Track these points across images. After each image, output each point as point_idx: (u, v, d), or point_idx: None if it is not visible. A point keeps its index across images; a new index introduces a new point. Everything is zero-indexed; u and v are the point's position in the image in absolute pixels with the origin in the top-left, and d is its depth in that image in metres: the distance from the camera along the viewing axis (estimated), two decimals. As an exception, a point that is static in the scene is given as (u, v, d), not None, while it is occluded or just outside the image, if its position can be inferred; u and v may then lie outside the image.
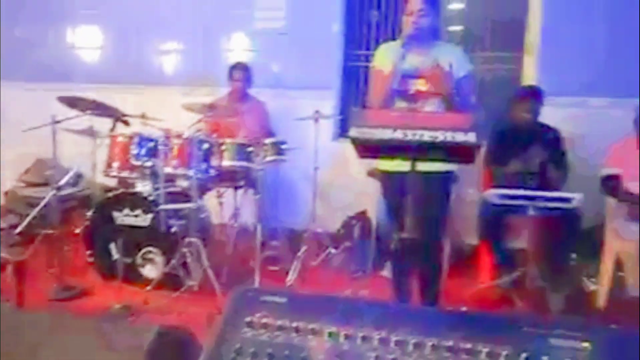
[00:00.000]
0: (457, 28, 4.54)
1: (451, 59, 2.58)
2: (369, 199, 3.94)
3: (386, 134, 1.90)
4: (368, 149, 2.06)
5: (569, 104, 3.81)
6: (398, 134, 1.90)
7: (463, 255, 3.90)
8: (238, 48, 4.67)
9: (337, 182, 4.36)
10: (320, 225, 3.89)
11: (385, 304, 2.43)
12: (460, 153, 1.97)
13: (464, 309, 2.61)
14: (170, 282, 3.23)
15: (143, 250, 3.32)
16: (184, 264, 3.24)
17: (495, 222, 3.40)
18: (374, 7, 4.51)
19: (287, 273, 3.58)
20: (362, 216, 4.06)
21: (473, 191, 3.89)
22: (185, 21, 4.67)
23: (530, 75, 4.15)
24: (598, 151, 3.47)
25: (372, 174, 3.45)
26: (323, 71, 4.50)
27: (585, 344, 1.01)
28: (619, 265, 3.27)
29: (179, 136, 3.29)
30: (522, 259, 3.27)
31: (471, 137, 1.86)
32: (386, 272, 3.48)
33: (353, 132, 1.93)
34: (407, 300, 2.76)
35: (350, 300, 1.60)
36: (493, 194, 3.10)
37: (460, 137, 1.87)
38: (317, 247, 3.90)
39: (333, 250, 3.89)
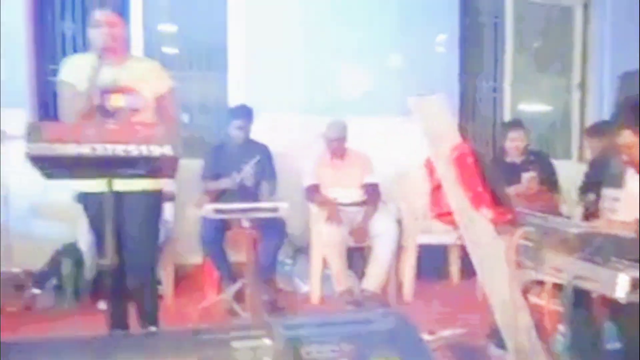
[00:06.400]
0: (171, 49, 4.51)
1: (149, 74, 2.52)
2: (78, 227, 3.56)
3: (70, 150, 1.70)
4: (53, 168, 1.83)
5: (272, 120, 4.11)
6: (85, 149, 1.72)
7: (189, 273, 3.84)
8: None
9: (38, 211, 3.82)
10: (18, 265, 3.34)
11: (101, 336, 2.19)
12: (158, 167, 1.90)
13: (153, 329, 2.53)
14: None
15: None
16: None
17: (214, 237, 3.44)
18: (68, 19, 4.15)
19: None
20: (70, 248, 3.63)
21: (194, 208, 3.87)
22: None
23: (235, 94, 4.35)
24: (298, 163, 3.84)
25: (79, 199, 3.12)
26: (10, 87, 3.91)
27: (267, 341, 1.03)
28: (325, 264, 3.63)
29: None
30: (241, 270, 3.37)
31: (167, 150, 1.80)
32: (103, 304, 3.18)
33: (30, 148, 1.68)
34: (126, 329, 2.55)
35: (61, 340, 1.37)
36: (209, 210, 3.12)
37: (156, 150, 1.80)
38: (15, 289, 3.34)
39: (37, 291, 3.38)
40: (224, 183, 3.60)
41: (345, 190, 3.76)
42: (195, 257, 3.81)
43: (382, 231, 3.58)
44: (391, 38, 4.44)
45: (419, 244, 3.78)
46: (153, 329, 2.47)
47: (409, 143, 3.83)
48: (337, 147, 3.75)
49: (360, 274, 3.65)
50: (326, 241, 3.55)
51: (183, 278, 3.78)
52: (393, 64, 4.48)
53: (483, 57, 4.86)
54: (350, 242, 3.62)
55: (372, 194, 3.75)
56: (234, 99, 4.27)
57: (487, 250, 2.17)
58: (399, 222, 3.75)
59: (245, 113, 3.71)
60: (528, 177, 3.64)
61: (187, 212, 3.91)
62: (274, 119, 4.07)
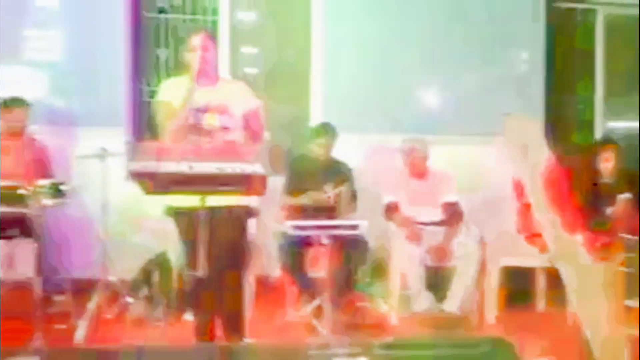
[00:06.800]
0: (251, 69, 4.70)
1: (238, 94, 2.65)
2: (169, 240, 3.76)
3: (170, 167, 1.82)
4: (152, 184, 1.95)
5: (351, 140, 4.14)
6: (183, 167, 1.83)
7: (270, 288, 3.93)
8: (10, 81, 4.14)
9: (132, 225, 4.07)
10: (114, 273, 3.57)
11: (188, 347, 2.30)
12: (249, 184, 1.97)
13: (248, 340, 2.60)
14: None
15: None
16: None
17: (293, 252, 3.50)
18: (161, 43, 4.43)
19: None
20: (161, 259, 3.83)
21: (275, 224, 3.96)
22: None
23: (316, 113, 4.44)
24: (377, 181, 3.84)
25: (169, 212, 3.30)
26: (110, 107, 4.24)
27: (363, 359, 1.05)
28: (404, 284, 3.59)
29: None
30: (321, 286, 3.40)
31: (258, 168, 1.88)
32: (189, 316, 3.32)
33: (132, 165, 1.81)
34: (212, 340, 2.65)
35: (144, 349, 1.46)
36: (289, 226, 3.19)
37: (247, 167, 1.88)
38: (111, 297, 3.56)
39: (130, 300, 3.59)
40: (305, 199, 3.64)
41: (425, 209, 3.71)
42: (275, 272, 3.89)
43: (463, 251, 3.50)
44: (474, 56, 4.37)
45: (503, 266, 3.65)
46: (248, 340, 2.55)
47: (493, 162, 3.75)
48: (418, 165, 3.72)
49: (440, 295, 3.57)
50: (405, 260, 3.51)
51: (263, 291, 3.86)
52: (475, 82, 4.40)
53: (571, 74, 4.67)
54: (430, 262, 3.56)
55: (454, 214, 3.68)
56: (316, 118, 4.36)
57: (583, 276, 2.07)
58: (482, 243, 3.65)
59: (328, 131, 3.77)
60: (624, 198, 3.43)
61: (267, 227, 4.01)
62: (355, 138, 4.11)
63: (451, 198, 3.72)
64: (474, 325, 3.53)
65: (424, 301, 3.51)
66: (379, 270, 3.89)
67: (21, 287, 3.34)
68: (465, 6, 4.39)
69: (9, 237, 3.32)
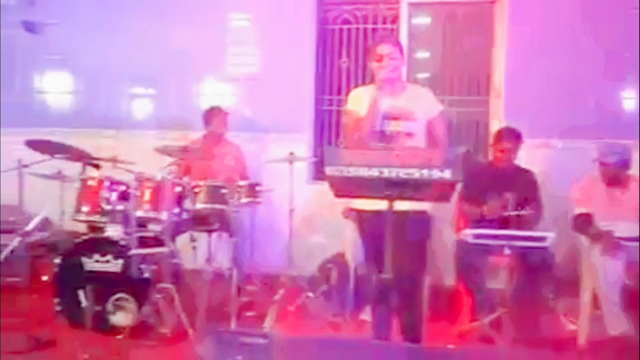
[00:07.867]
0: (425, 74, 4.68)
1: (422, 100, 2.66)
2: (346, 241, 3.92)
3: (362, 172, 1.90)
4: (345, 188, 2.05)
5: (533, 145, 3.89)
6: (374, 172, 1.90)
7: (443, 296, 3.87)
8: (212, 92, 4.70)
9: (313, 225, 4.33)
10: (296, 269, 3.83)
11: (369, 342, 2.38)
12: (436, 191, 1.98)
13: (450, 346, 2.57)
14: (143, 330, 3.11)
15: (114, 297, 3.21)
16: (157, 311, 3.14)
17: (471, 262, 3.39)
18: (343, 54, 4.63)
19: (263, 318, 3.49)
20: (339, 259, 4.01)
21: (449, 231, 3.90)
22: (156, 65, 4.68)
23: (497, 117, 4.26)
24: (563, 190, 3.56)
25: (347, 215, 3.44)
26: (296, 115, 4.56)
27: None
28: (595, 302, 3.28)
29: (151, 179, 3.24)
30: (500, 298, 3.26)
31: (447, 174, 1.87)
32: (365, 315, 3.42)
33: (329, 170, 1.93)
34: (388, 341, 2.70)
35: (334, 341, 1.55)
36: (468, 234, 3.11)
37: (436, 174, 1.88)
38: (294, 291, 3.82)
39: (310, 294, 3.81)
40: (485, 208, 3.51)
41: (624, 222, 3.33)
42: (449, 279, 3.82)
43: (672, 272, 3.07)
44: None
45: None
46: (450, 346, 2.55)
47: None
48: (616, 174, 3.36)
49: (640, 319, 3.18)
50: (599, 278, 3.19)
51: (437, 299, 3.81)
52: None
53: None
54: (629, 282, 3.19)
55: (661, 229, 3.24)
56: (499, 122, 4.20)
57: None
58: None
59: (512, 136, 3.59)
60: None
61: (443, 233, 3.96)
62: (541, 143, 3.87)
63: (657, 211, 3.28)
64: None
65: (619, 324, 3.16)
66: (567, 286, 3.59)
67: (219, 277, 3.76)
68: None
69: (211, 231, 3.75)
